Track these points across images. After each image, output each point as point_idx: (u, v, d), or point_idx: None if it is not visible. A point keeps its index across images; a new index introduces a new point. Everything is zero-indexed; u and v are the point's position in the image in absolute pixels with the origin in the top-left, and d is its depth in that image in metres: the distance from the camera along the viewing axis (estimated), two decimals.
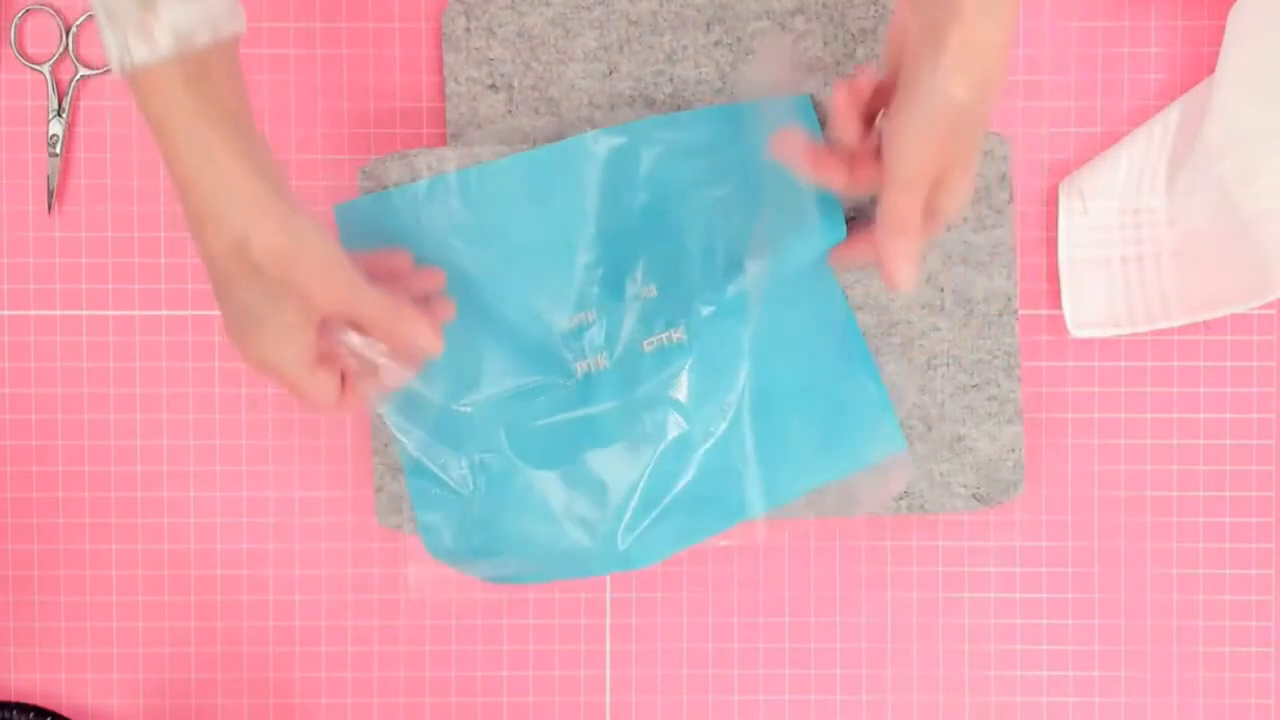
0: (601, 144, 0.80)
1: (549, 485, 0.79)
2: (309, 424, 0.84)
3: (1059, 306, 0.84)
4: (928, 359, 0.82)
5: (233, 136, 0.64)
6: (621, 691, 0.85)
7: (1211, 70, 0.83)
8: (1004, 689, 0.84)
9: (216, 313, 0.84)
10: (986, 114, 0.67)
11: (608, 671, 0.85)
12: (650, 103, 0.83)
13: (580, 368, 0.80)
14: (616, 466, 0.78)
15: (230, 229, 0.64)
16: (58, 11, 0.84)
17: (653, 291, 0.80)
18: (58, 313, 0.84)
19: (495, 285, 0.80)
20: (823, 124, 0.81)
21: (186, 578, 0.85)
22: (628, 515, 0.78)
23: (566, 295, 0.80)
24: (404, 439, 0.79)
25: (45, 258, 0.84)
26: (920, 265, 0.69)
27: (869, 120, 0.72)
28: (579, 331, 0.80)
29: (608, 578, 0.84)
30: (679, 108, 0.83)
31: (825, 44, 0.82)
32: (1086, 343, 0.84)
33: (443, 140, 0.84)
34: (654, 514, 0.79)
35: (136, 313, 0.84)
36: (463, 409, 0.79)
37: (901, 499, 0.81)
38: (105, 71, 0.84)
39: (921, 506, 0.81)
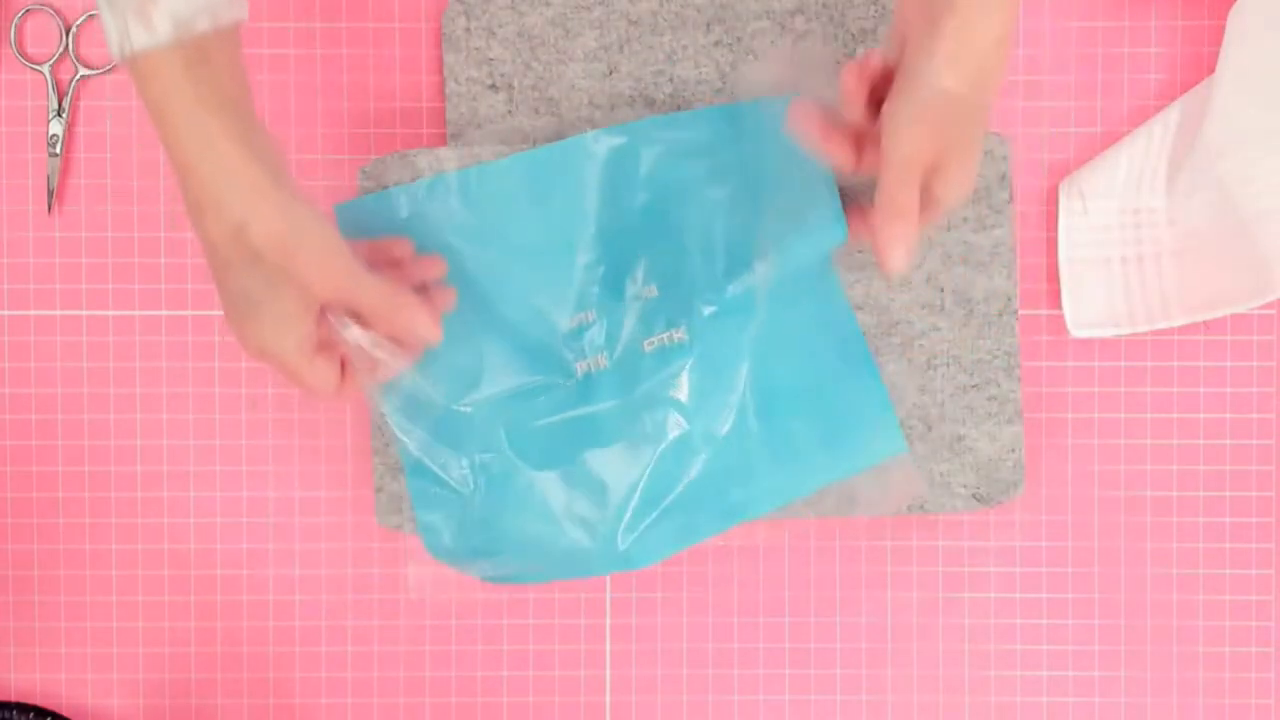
0: (601, 144, 0.80)
1: (549, 485, 0.79)
2: (309, 424, 0.84)
3: (1059, 306, 0.84)
4: (928, 359, 0.82)
5: (232, 122, 0.64)
6: (621, 691, 0.85)
7: (1211, 70, 0.83)
8: (1004, 689, 0.84)
9: (217, 313, 0.84)
10: (983, 107, 0.67)
11: (608, 671, 0.85)
12: (650, 103, 0.83)
13: (580, 368, 0.80)
14: (617, 466, 0.78)
15: (229, 215, 0.64)
16: (58, 11, 0.84)
17: (653, 291, 0.80)
18: (58, 313, 0.84)
19: (495, 285, 0.80)
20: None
21: (186, 578, 0.85)
22: (628, 515, 0.78)
23: (567, 295, 0.80)
24: (405, 439, 0.79)
25: (45, 258, 0.84)
26: (914, 250, 0.70)
27: (878, 103, 0.72)
28: (579, 331, 0.80)
29: (608, 578, 0.84)
30: (679, 108, 0.83)
31: (825, 44, 0.82)
32: (1086, 343, 0.84)
33: (443, 140, 0.84)
34: (654, 514, 0.79)
35: (136, 313, 0.84)
36: (463, 409, 0.79)
37: (901, 499, 0.81)
38: (105, 71, 0.84)
39: (921, 506, 0.81)
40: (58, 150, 0.84)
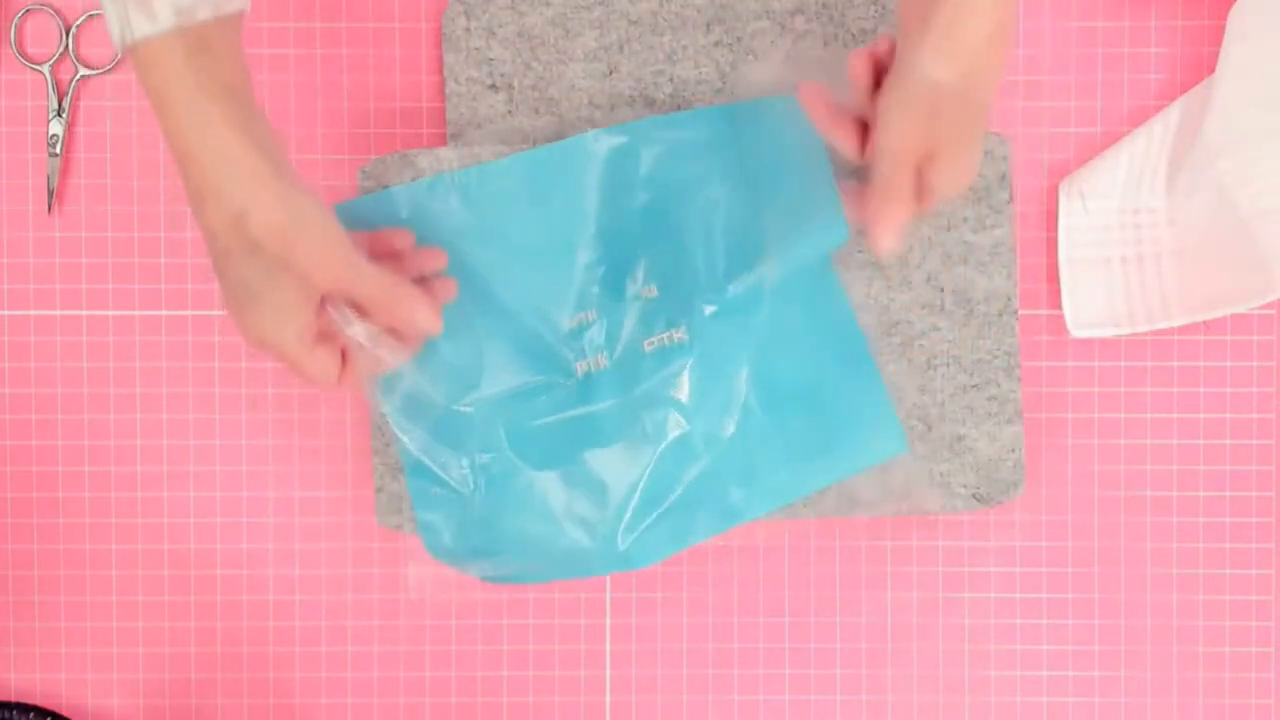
0: (602, 144, 0.80)
1: (549, 485, 0.79)
2: (309, 424, 0.84)
3: (1059, 306, 0.84)
4: (928, 359, 0.82)
5: (233, 111, 0.64)
6: (621, 691, 0.85)
7: (1211, 70, 0.83)
8: (1004, 689, 0.84)
9: (217, 313, 0.84)
10: (978, 101, 0.68)
11: (608, 671, 0.85)
12: (650, 103, 0.83)
13: (580, 367, 0.80)
14: (617, 466, 0.78)
15: (229, 203, 0.64)
16: (58, 11, 0.84)
17: (653, 291, 0.80)
18: (58, 313, 0.84)
19: (496, 285, 0.80)
20: None
21: (186, 578, 0.85)
22: (628, 515, 0.78)
23: (567, 295, 0.80)
24: (405, 439, 0.79)
25: (45, 258, 0.84)
26: (905, 233, 0.72)
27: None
28: (579, 331, 0.80)
29: (608, 578, 0.84)
30: (679, 108, 0.83)
31: (825, 44, 0.82)
32: (1086, 343, 0.84)
33: (443, 140, 0.84)
34: (654, 514, 0.79)
35: (136, 313, 0.84)
36: (463, 409, 0.79)
37: (901, 499, 0.81)
38: (105, 71, 0.84)
39: (921, 506, 0.81)
40: (58, 150, 0.84)
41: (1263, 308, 0.84)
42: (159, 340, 0.84)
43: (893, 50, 0.70)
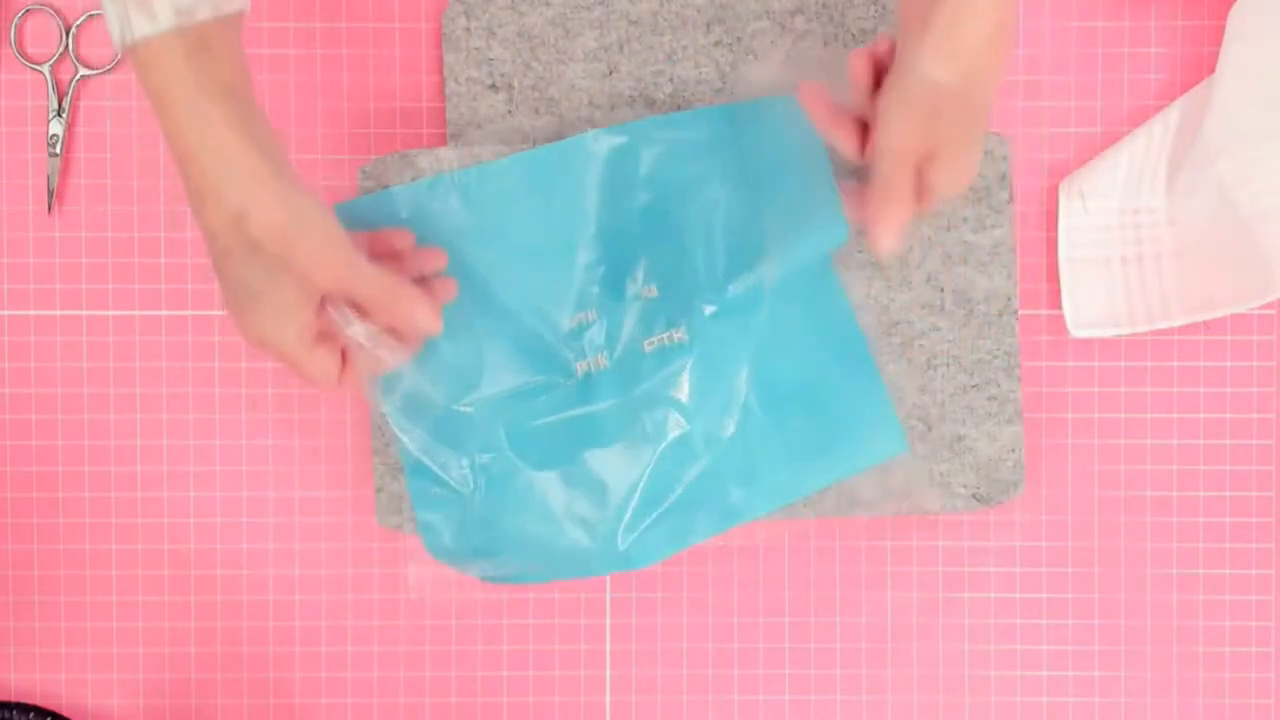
0: (602, 144, 0.80)
1: (549, 485, 0.79)
2: (309, 424, 0.84)
3: (1059, 306, 0.84)
4: (928, 359, 0.82)
5: (232, 110, 0.64)
6: (621, 691, 0.85)
7: (1211, 70, 0.83)
8: (1004, 689, 0.84)
9: (217, 313, 0.84)
10: (978, 102, 0.68)
11: (608, 671, 0.85)
12: (650, 103, 0.83)
13: (580, 367, 0.80)
14: (616, 466, 0.78)
15: (229, 203, 0.64)
16: (58, 11, 0.84)
17: (653, 291, 0.80)
18: (58, 313, 0.84)
19: (496, 285, 0.80)
20: None
21: (186, 578, 0.85)
22: (628, 515, 0.78)
23: (567, 295, 0.80)
24: (405, 438, 0.79)
25: (45, 258, 0.84)
26: (904, 233, 0.72)
27: None
28: (579, 331, 0.80)
29: (608, 578, 0.84)
30: (679, 108, 0.83)
31: (825, 44, 0.82)
32: (1086, 343, 0.84)
33: (443, 140, 0.84)
34: (654, 514, 0.79)
35: (136, 313, 0.84)
36: (463, 409, 0.79)
37: (901, 499, 0.81)
38: (105, 71, 0.84)
39: (921, 506, 0.81)
40: (58, 150, 0.84)
41: (1263, 308, 0.84)
42: (159, 340, 0.84)
43: (893, 50, 0.70)
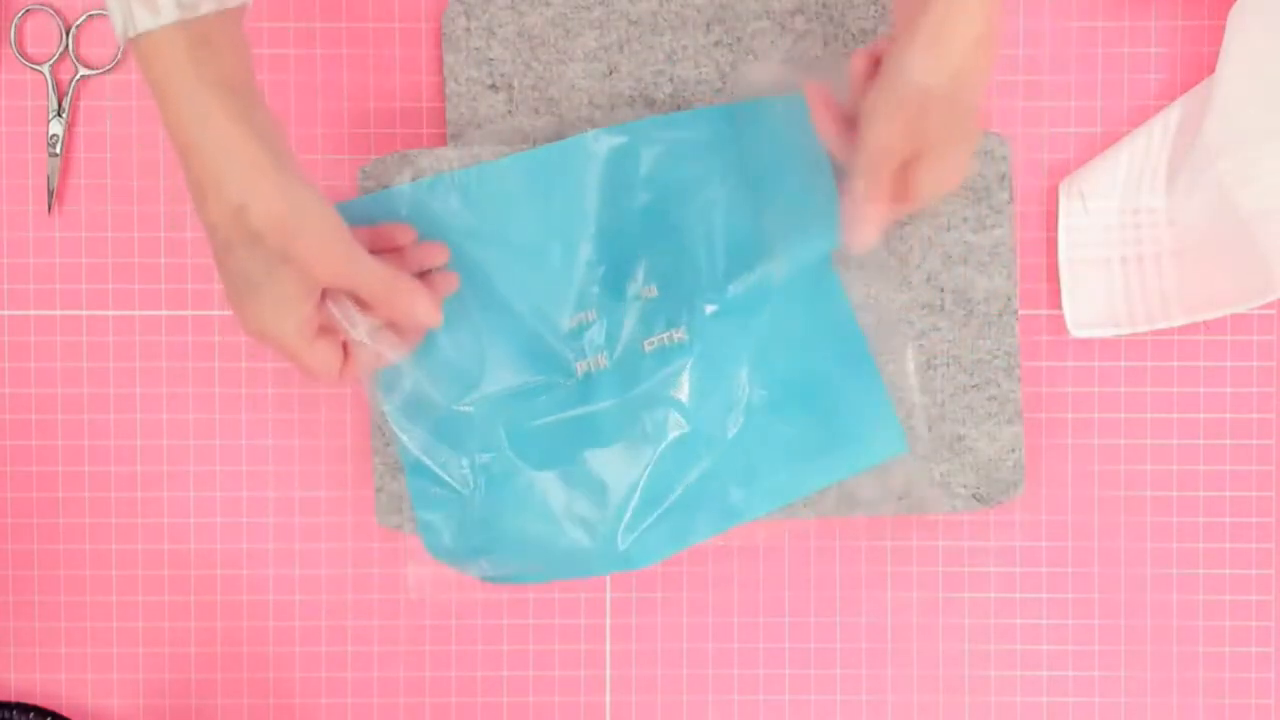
0: (602, 144, 0.80)
1: (549, 485, 0.79)
2: (309, 424, 0.84)
3: (1059, 306, 0.84)
4: (928, 359, 0.82)
5: (233, 103, 0.64)
6: (621, 691, 0.85)
7: (1211, 70, 0.83)
8: (1004, 689, 0.84)
9: (217, 313, 0.84)
10: (964, 102, 0.68)
11: (608, 671, 0.85)
12: (650, 103, 0.83)
13: (580, 367, 0.80)
14: (617, 466, 0.78)
15: (230, 195, 0.64)
16: (58, 11, 0.84)
17: (653, 291, 0.80)
18: (58, 313, 0.84)
19: (496, 285, 0.80)
20: None
21: (186, 578, 0.85)
22: (628, 515, 0.78)
23: (567, 295, 0.80)
24: (405, 438, 0.79)
25: (45, 258, 0.84)
26: (881, 231, 0.71)
27: None
28: (579, 331, 0.80)
29: (608, 578, 0.84)
30: (679, 108, 0.83)
31: (825, 44, 0.82)
32: (1086, 343, 0.84)
33: (443, 140, 0.84)
34: (654, 514, 0.79)
35: (136, 313, 0.84)
36: (463, 408, 0.79)
37: (901, 499, 0.81)
38: (105, 71, 0.84)
39: (921, 506, 0.81)
40: (58, 150, 0.84)
41: (1263, 308, 0.84)
42: (159, 340, 0.84)
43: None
